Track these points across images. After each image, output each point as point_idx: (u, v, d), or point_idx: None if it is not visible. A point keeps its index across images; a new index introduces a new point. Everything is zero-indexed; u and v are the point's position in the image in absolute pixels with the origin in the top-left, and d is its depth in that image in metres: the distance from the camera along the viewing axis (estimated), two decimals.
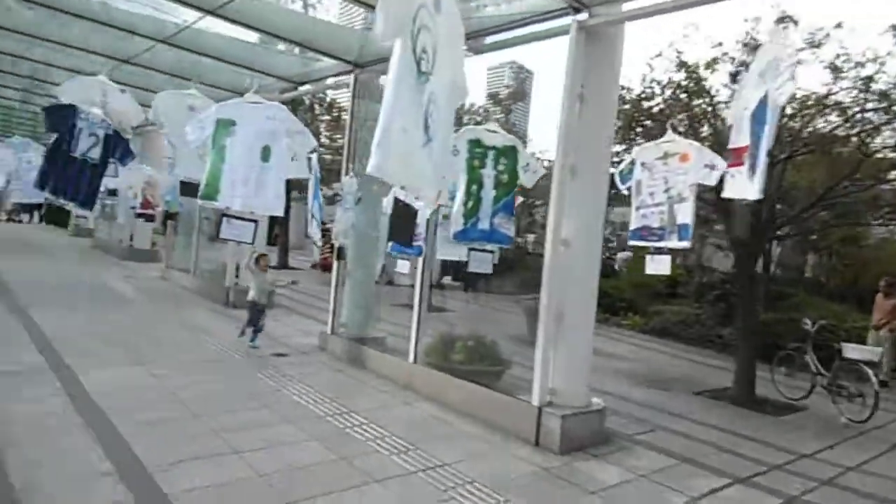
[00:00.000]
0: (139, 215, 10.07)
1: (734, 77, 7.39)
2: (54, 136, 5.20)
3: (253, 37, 8.68)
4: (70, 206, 6.22)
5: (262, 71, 8.87)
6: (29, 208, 9.91)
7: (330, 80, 8.77)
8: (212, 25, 7.50)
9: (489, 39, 6.23)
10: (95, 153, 5.27)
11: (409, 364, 6.41)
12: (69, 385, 5.26)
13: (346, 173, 7.65)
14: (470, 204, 5.45)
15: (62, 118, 5.14)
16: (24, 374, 5.47)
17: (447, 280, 16.52)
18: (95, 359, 6.16)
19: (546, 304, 5.20)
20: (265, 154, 4.92)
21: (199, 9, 6.62)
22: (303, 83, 9.30)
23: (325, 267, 17.80)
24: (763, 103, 3.83)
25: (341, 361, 7.16)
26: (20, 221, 23.41)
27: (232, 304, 9.99)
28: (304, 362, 6.99)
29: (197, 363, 6.46)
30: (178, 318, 8.76)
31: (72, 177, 5.19)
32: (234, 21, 6.99)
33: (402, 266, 6.91)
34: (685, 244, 5.16)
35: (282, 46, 8.51)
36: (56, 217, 23.71)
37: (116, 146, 5.38)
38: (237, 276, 10.20)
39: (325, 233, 9.22)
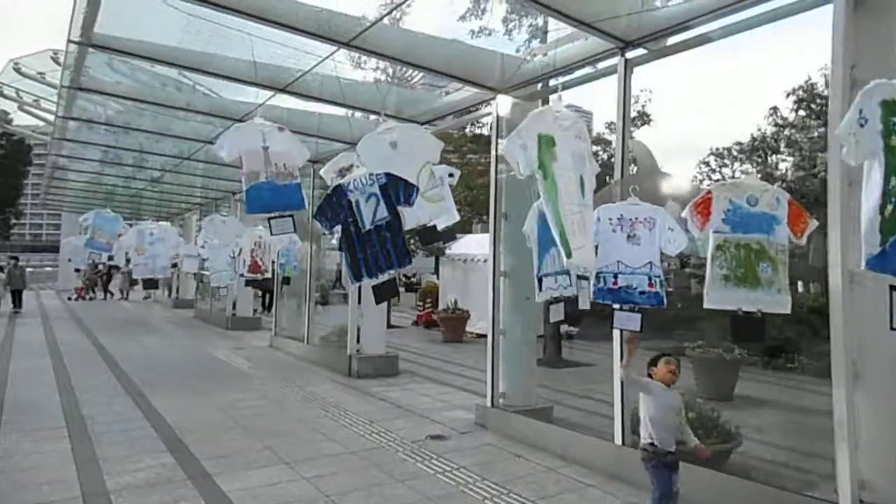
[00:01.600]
0: (249, 282, 9.30)
1: None
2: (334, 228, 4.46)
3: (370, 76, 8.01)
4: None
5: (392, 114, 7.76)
6: (153, 284, 9.63)
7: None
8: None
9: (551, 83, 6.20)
10: (383, 212, 4.42)
11: (617, 447, 4.97)
12: (215, 500, 4.16)
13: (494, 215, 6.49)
14: (890, 209, 2.91)
15: (338, 205, 4.40)
16: (159, 485, 4.43)
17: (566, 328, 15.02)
18: (233, 458, 5.09)
19: (842, 361, 3.69)
20: (582, 187, 3.85)
21: (332, 41, 5.75)
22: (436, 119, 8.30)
23: (427, 323, 16.77)
24: None
25: (514, 443, 5.79)
26: (92, 298, 23.52)
27: (356, 373, 8.89)
28: (472, 448, 5.67)
29: (348, 457, 5.27)
30: (303, 395, 7.70)
31: (378, 250, 4.42)
32: (366, 51, 6.13)
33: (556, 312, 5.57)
34: None
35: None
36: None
37: (397, 191, 4.51)
38: (359, 343, 9.14)
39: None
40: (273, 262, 9.16)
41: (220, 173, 12.95)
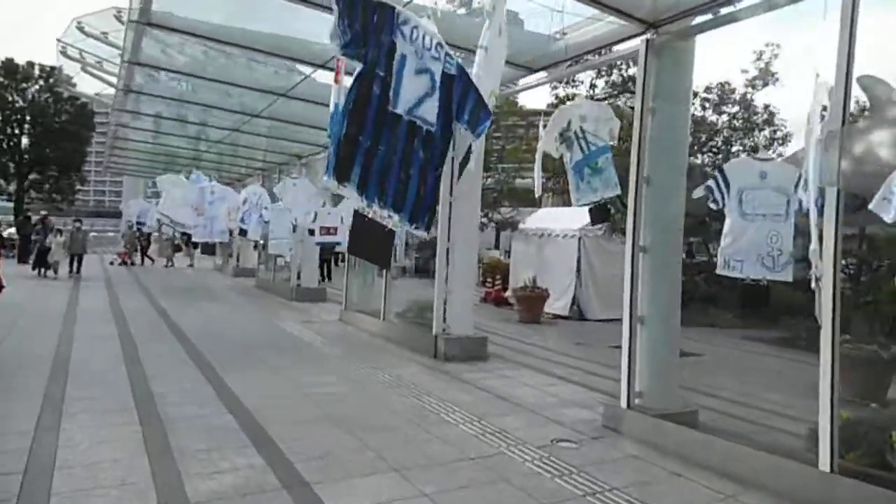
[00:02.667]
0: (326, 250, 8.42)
1: None
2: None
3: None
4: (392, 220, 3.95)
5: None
6: (211, 249, 8.92)
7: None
8: None
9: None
10: (430, 110, 3.05)
11: (822, 474, 3.81)
12: None
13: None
14: None
15: (374, 28, 2.91)
16: (250, 495, 3.55)
17: None
18: (330, 460, 4.18)
19: None
20: None
21: None
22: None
23: (497, 301, 15.74)
24: None
25: (661, 455, 4.70)
26: (133, 263, 22.26)
27: (443, 355, 7.93)
28: (614, 460, 4.61)
29: (468, 466, 4.29)
30: (389, 379, 6.79)
31: (396, 161, 3.10)
32: None
33: None
34: None
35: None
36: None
37: (464, 101, 3.18)
38: (445, 321, 8.16)
39: None
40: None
41: (288, 133, 12.12)
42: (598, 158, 6.11)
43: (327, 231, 8.57)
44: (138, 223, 16.85)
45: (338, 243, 8.81)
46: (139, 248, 22.85)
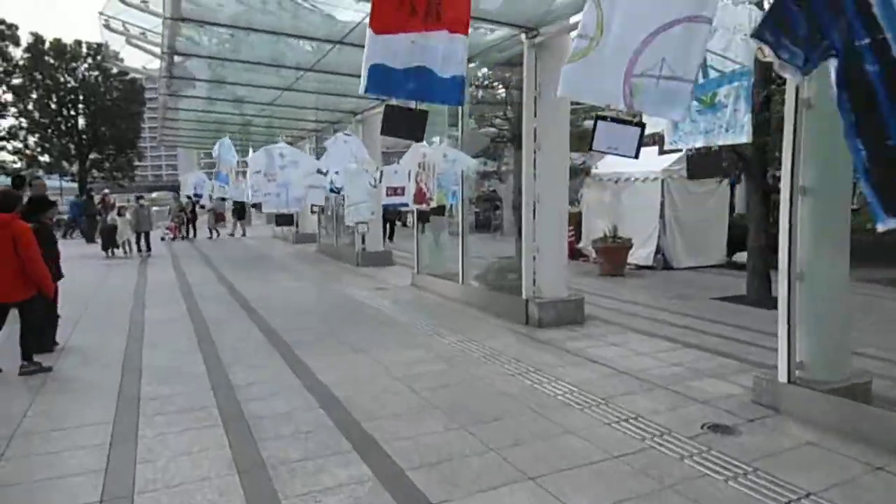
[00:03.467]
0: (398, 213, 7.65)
1: None
2: None
3: None
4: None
5: None
6: (287, 219, 8.22)
7: None
8: None
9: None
10: None
11: None
12: None
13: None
14: None
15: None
16: None
17: None
18: (448, 467, 3.48)
19: None
20: None
21: None
22: None
23: (571, 253, 14.75)
24: None
25: (843, 440, 3.79)
26: (184, 237, 21.91)
27: (537, 321, 7.14)
28: (788, 450, 3.74)
29: (618, 468, 3.51)
30: (485, 352, 6.06)
31: None
32: None
33: None
34: None
35: None
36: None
37: None
38: (535, 284, 7.33)
39: None
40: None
41: (341, 87, 11.27)
42: (717, 88, 4.95)
43: (394, 191, 7.80)
44: (196, 195, 16.48)
45: (405, 204, 8.03)
46: (185, 220, 22.59)
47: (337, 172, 7.11)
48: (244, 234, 23.54)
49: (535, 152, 7.22)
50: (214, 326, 7.30)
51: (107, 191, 25.05)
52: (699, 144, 5.18)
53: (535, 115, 7.19)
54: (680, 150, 12.72)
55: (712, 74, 4.86)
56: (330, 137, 10.22)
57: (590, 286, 10.19)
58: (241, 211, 23.08)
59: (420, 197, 7.36)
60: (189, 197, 17.44)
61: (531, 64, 7.15)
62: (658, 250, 12.66)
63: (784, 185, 4.37)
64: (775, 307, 8.78)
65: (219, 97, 13.54)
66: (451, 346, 6.36)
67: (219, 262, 14.28)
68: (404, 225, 21.31)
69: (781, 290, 4.41)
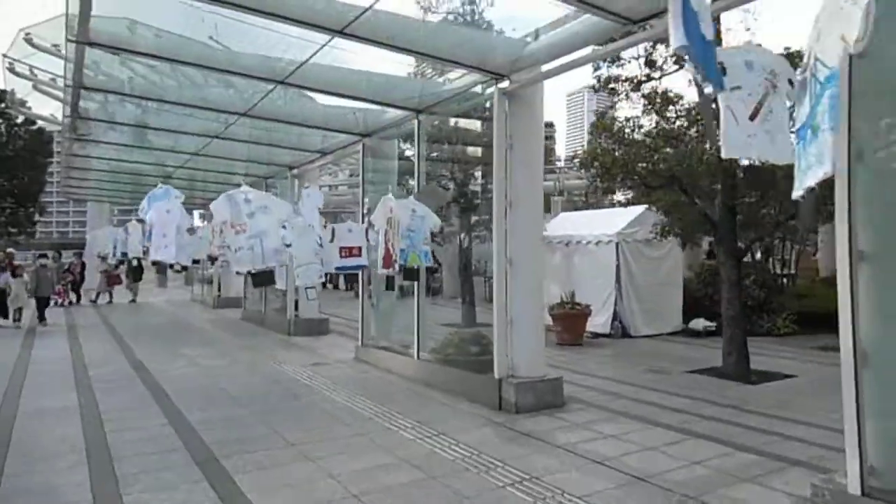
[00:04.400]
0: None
1: None
2: None
3: None
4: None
5: None
6: (267, 278, 6.78)
7: None
8: None
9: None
10: None
11: None
12: None
13: None
14: None
15: None
16: None
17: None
18: None
19: None
20: None
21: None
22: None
23: None
24: None
25: None
26: (71, 303, 18.78)
27: (513, 406, 6.06)
28: None
29: None
30: (465, 454, 4.90)
31: None
32: None
33: None
34: None
35: None
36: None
37: None
38: (510, 360, 6.29)
39: None
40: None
41: (276, 138, 10.19)
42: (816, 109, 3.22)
43: (349, 252, 6.67)
44: (121, 254, 14.34)
45: (362, 266, 6.91)
46: (72, 282, 19.27)
47: (284, 227, 5.93)
48: (134, 300, 20.00)
49: (506, 209, 6.35)
50: (112, 424, 5.73)
51: (11, 250, 21.97)
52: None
53: (507, 169, 6.36)
54: (634, 212, 12.34)
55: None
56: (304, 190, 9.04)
57: (551, 358, 9.23)
58: (137, 272, 19.77)
59: (387, 260, 6.28)
60: (120, 256, 15.04)
61: (502, 113, 6.38)
62: (615, 317, 12.02)
63: (839, 249, 3.63)
64: (758, 381, 8.32)
65: (135, 143, 12.11)
66: (419, 445, 5.15)
67: (126, 333, 12.36)
68: (350, 289, 19.92)
69: (846, 378, 3.59)
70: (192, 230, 7.69)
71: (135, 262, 18.21)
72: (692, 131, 8.02)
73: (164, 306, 19.19)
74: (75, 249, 23.52)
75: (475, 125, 13.24)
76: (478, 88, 7.04)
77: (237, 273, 12.10)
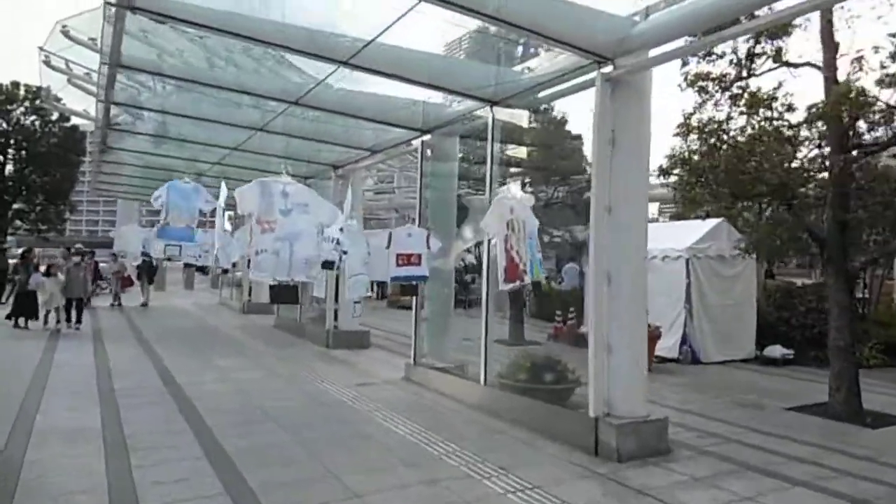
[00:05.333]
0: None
1: None
2: None
3: None
4: None
5: None
6: (290, 294, 5.92)
7: None
8: None
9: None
10: None
11: None
12: None
13: None
14: None
15: None
16: None
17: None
18: None
19: None
20: None
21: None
22: None
23: (571, 338, 12.89)
24: None
25: None
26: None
27: (615, 452, 5.03)
28: None
29: None
30: None
31: None
32: None
33: None
34: None
35: None
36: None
37: None
38: (608, 396, 5.27)
39: None
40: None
41: (320, 131, 9.31)
42: None
43: (407, 260, 5.76)
44: (143, 255, 13.47)
45: (422, 277, 5.99)
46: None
47: (341, 230, 5.02)
48: (146, 304, 18.10)
49: (605, 216, 5.37)
50: (139, 456, 4.84)
51: (31, 247, 21.19)
52: None
53: (608, 169, 5.38)
54: (706, 226, 11.23)
55: None
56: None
57: None
58: (151, 270, 18.46)
59: (512, 271, 5.29)
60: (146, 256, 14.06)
61: (605, 103, 5.41)
62: (684, 340, 10.90)
63: None
64: (876, 424, 7.16)
65: (168, 142, 11.40)
66: (509, 501, 4.15)
67: (153, 339, 11.56)
68: (381, 297, 19.04)
69: None
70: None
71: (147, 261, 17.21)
72: (811, 131, 6.96)
73: (192, 309, 18.47)
74: (103, 248, 22.71)
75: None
76: (568, 78, 6.07)
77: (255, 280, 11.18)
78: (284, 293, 4.80)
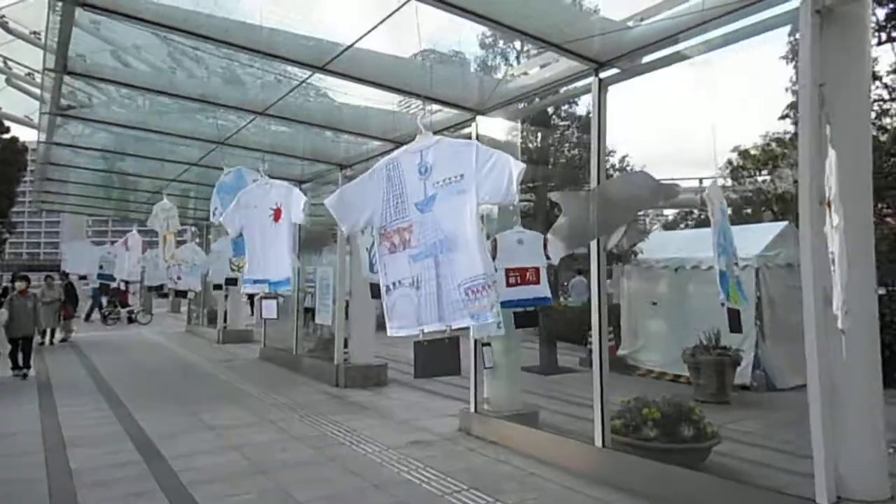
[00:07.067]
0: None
1: None
2: None
3: None
4: None
5: None
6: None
7: None
8: None
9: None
10: None
11: None
12: None
13: None
14: None
15: None
16: None
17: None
18: None
19: None
20: None
21: None
22: None
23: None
24: None
25: None
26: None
27: None
28: None
29: None
30: None
31: None
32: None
33: None
34: None
35: None
36: None
37: None
38: (837, 470, 3.56)
39: None
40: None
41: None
42: None
43: (522, 278, 3.99)
44: (101, 276, 11.10)
45: (546, 300, 4.22)
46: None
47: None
48: (66, 338, 14.85)
49: (819, 210, 3.69)
50: None
51: None
52: None
53: (819, 142, 3.70)
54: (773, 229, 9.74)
55: None
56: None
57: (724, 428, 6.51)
58: (73, 299, 15.46)
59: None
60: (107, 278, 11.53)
61: (814, 45, 3.73)
62: (757, 364, 9.35)
63: None
64: None
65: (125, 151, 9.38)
66: None
67: (119, 386, 9.27)
68: None
69: None
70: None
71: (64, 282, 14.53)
72: None
73: (159, 340, 15.98)
74: (45, 272, 19.62)
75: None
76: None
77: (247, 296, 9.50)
78: (440, 356, 2.84)
